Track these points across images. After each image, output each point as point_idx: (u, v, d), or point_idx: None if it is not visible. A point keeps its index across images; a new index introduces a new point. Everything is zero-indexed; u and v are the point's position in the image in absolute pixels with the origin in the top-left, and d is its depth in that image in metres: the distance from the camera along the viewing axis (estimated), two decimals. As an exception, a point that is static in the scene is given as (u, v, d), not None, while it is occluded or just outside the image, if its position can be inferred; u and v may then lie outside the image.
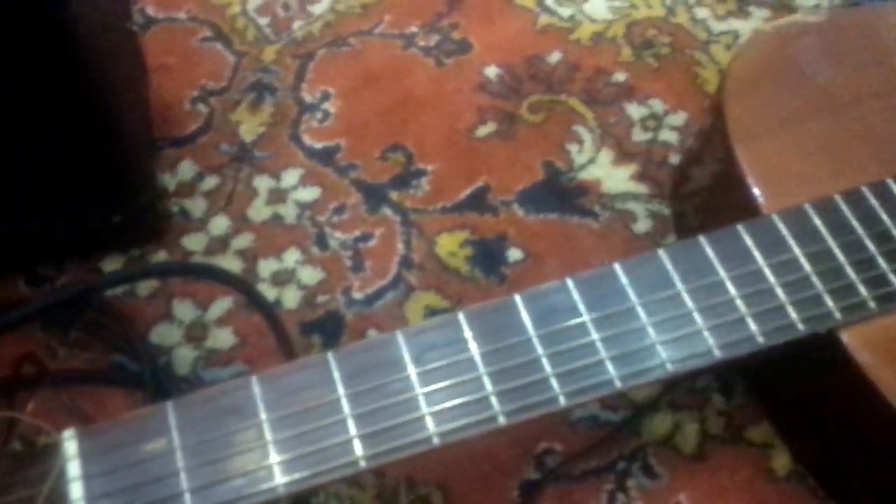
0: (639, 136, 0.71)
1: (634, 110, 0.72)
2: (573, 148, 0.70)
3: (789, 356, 0.51)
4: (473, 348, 0.44)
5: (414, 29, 0.77)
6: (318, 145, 0.70)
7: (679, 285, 0.47)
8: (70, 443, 0.40)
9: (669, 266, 0.47)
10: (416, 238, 0.65)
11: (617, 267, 0.48)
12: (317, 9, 0.78)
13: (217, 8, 0.78)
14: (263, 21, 0.77)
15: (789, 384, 0.55)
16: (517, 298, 0.47)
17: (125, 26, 0.66)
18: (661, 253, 0.48)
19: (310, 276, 0.63)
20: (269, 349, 0.59)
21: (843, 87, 0.56)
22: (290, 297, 0.62)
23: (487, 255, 0.65)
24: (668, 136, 0.71)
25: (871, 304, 0.46)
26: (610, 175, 0.69)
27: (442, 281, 0.63)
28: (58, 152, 0.52)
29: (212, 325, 0.60)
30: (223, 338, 0.60)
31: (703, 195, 0.63)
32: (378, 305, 0.62)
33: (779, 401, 0.57)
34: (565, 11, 0.78)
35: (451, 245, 0.65)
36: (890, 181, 0.51)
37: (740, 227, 0.49)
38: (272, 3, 0.78)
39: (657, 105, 0.72)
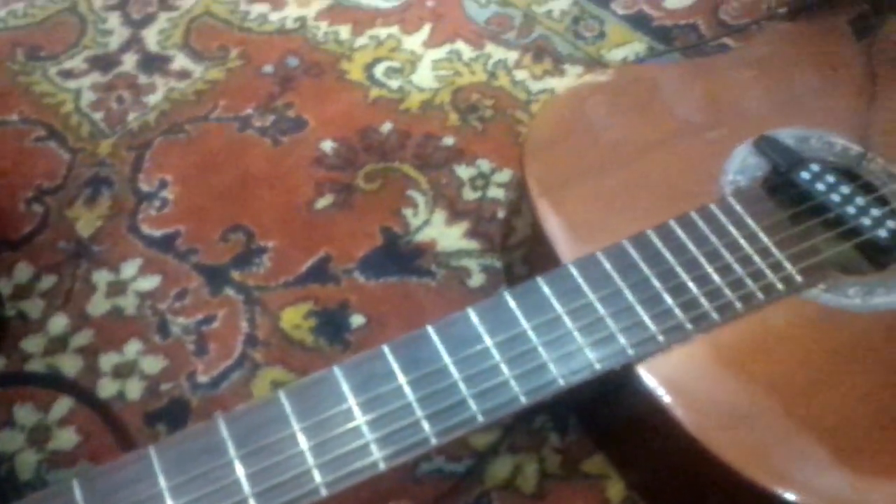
0: (469, 195, 0.75)
1: (463, 171, 0.77)
2: (409, 212, 0.74)
3: (602, 392, 0.55)
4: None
5: (249, 111, 0.80)
6: (157, 233, 0.71)
7: (487, 340, 0.50)
8: None
9: (477, 322, 0.51)
10: (259, 315, 0.67)
11: (430, 329, 0.51)
12: (151, 99, 0.80)
13: (50, 107, 0.79)
14: (97, 116, 0.79)
15: (612, 417, 0.59)
16: (336, 370, 0.49)
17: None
18: (470, 311, 0.52)
19: (152, 365, 0.64)
20: (115, 444, 0.59)
21: (630, 139, 0.62)
22: (133, 389, 0.62)
23: (331, 324, 0.67)
24: (495, 192, 0.75)
25: (661, 339, 0.51)
26: (444, 234, 0.73)
27: (287, 354, 0.65)
28: None
29: (54, 427, 0.60)
30: (66, 438, 0.60)
31: (526, 245, 0.67)
32: (224, 387, 0.63)
33: (606, 433, 0.61)
34: (394, 83, 0.83)
35: (294, 318, 0.67)
36: (671, 222, 0.56)
37: (539, 279, 0.53)
38: (106, 97, 0.80)
39: (484, 165, 0.77)
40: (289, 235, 0.72)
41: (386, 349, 0.50)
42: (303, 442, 0.46)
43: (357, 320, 0.67)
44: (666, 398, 0.50)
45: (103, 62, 0.83)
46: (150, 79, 0.82)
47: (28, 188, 0.73)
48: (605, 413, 0.59)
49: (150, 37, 0.85)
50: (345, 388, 0.48)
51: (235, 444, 0.45)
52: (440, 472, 0.59)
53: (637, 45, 0.87)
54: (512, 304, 0.52)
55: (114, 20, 0.87)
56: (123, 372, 0.63)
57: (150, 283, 0.68)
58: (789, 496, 0.47)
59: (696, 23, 0.89)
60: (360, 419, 0.47)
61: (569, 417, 0.62)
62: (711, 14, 0.90)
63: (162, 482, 0.44)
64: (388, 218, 0.73)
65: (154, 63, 0.83)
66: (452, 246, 0.72)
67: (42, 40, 0.85)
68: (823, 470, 0.49)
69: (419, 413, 0.48)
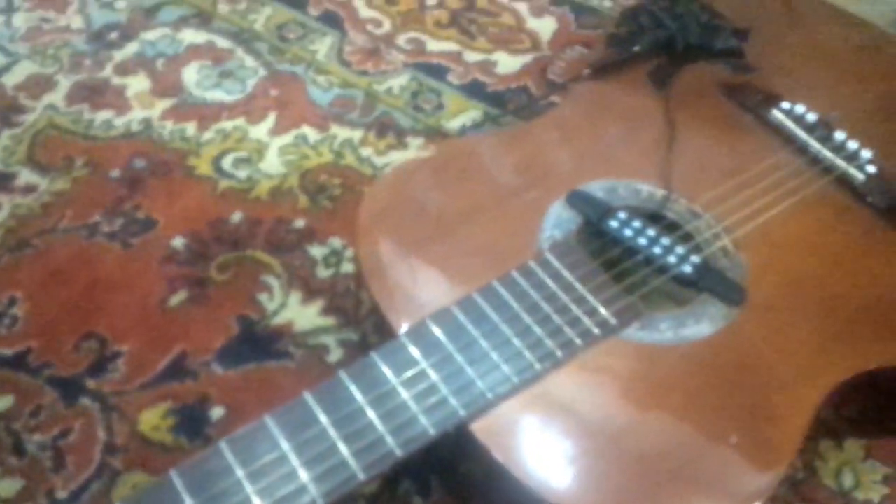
0: (323, 273, 0.78)
1: (316, 251, 0.79)
2: (264, 297, 0.76)
3: (454, 451, 0.57)
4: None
5: (97, 218, 0.80)
6: (9, 352, 0.70)
7: (323, 420, 0.52)
8: None
9: (314, 405, 0.53)
10: (117, 421, 0.67)
11: (267, 419, 0.53)
12: (-3, 217, 0.80)
13: None
14: (-60, 239, 0.78)
15: (466, 473, 0.61)
16: (172, 474, 0.50)
17: None
18: (307, 395, 0.54)
19: (8, 488, 0.63)
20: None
21: (455, 209, 0.65)
22: (-11, 516, 0.61)
23: (191, 420, 0.67)
24: (348, 267, 0.78)
25: (489, 396, 0.54)
26: (300, 315, 0.75)
27: (147, 458, 0.65)
28: None
29: None
30: (-83, 578, 0.58)
31: (373, 316, 0.70)
32: (84, 500, 0.63)
33: (465, 489, 0.63)
34: (242, 173, 0.85)
35: (153, 419, 0.67)
36: (495, 282, 0.60)
37: (374, 354, 0.56)
38: (-51, 220, 0.80)
39: (336, 242, 0.80)
40: (143, 336, 0.72)
41: (223, 444, 0.51)
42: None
43: (217, 413, 0.68)
44: (499, 454, 0.53)
45: (-55, 185, 0.83)
46: (-5, 197, 0.82)
47: None
48: (459, 470, 0.62)
49: (-8, 155, 0.86)
50: (182, 491, 0.49)
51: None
52: (307, 553, 0.60)
53: (473, 112, 0.92)
54: (348, 383, 0.54)
55: (-45, 141, 0.87)
56: (-24, 500, 0.62)
57: (3, 403, 0.67)
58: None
59: (527, 84, 0.95)
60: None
61: (431, 479, 0.64)
62: (540, 75, 0.97)
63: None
64: (243, 306, 0.75)
65: (-1, 181, 0.84)
66: (309, 325, 0.74)
67: None
68: (659, 501, 0.52)
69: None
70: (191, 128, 0.89)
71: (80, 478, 0.64)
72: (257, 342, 0.72)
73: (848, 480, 0.67)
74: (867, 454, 0.68)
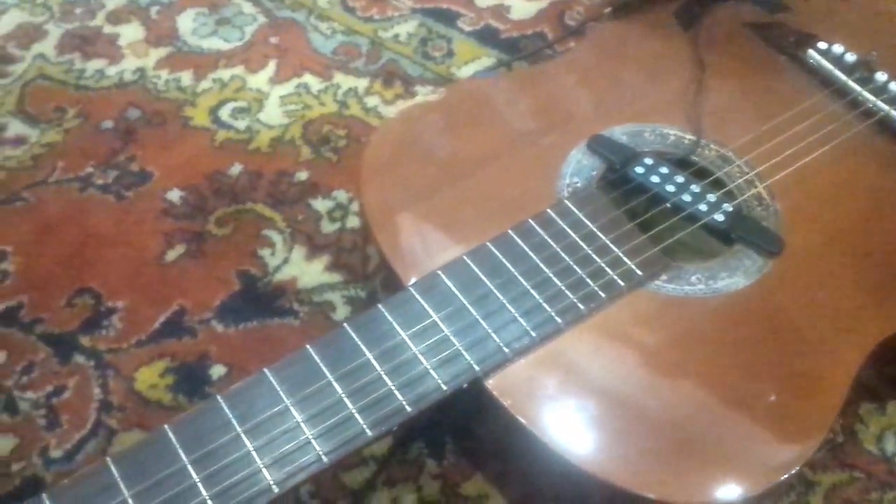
0: (328, 227, 0.74)
1: (320, 204, 0.75)
2: (265, 252, 0.72)
3: (467, 409, 0.54)
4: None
5: (90, 169, 0.76)
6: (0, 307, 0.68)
7: (329, 375, 0.49)
8: None
9: (318, 359, 0.49)
10: (112, 379, 0.64)
11: (267, 372, 0.49)
12: (-15, 170, 0.76)
13: None
14: (-73, 192, 0.74)
15: (480, 434, 0.58)
16: (167, 429, 0.47)
17: None
18: (309, 348, 0.50)
19: (1, 446, 0.60)
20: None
21: (465, 154, 0.61)
22: (-22, 477, 0.58)
23: (190, 379, 0.64)
24: (354, 222, 0.74)
25: (506, 351, 0.50)
26: (305, 271, 0.71)
27: (144, 417, 0.62)
28: None
29: None
30: None
31: (381, 271, 0.66)
32: (79, 459, 0.60)
33: (480, 451, 0.60)
34: (241, 124, 0.81)
35: (150, 377, 0.64)
36: (510, 231, 0.56)
37: (380, 306, 0.52)
38: (-65, 172, 0.76)
39: (341, 195, 0.76)
40: (139, 292, 0.69)
41: (220, 399, 0.48)
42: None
43: (218, 371, 0.64)
44: (515, 411, 0.49)
45: (-69, 136, 0.79)
46: (-17, 148, 0.78)
47: None
48: (474, 431, 0.58)
49: (-19, 105, 0.82)
50: (177, 447, 0.46)
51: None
52: (314, 514, 0.57)
53: (486, 60, 0.88)
54: (353, 334, 0.51)
55: (-58, 91, 0.83)
56: (-35, 461, 0.59)
57: (-9, 361, 0.64)
58: (652, 496, 0.47)
59: (543, 31, 0.91)
60: (195, 477, 0.45)
61: (444, 440, 0.61)
62: (557, 21, 0.92)
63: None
64: (244, 261, 0.71)
65: (-14, 131, 0.79)
66: (314, 281, 0.70)
67: None
68: (679, 464, 0.48)
69: (258, 463, 0.46)
70: (186, 77, 0.85)
71: (75, 437, 0.60)
72: (259, 299, 0.69)
73: (890, 445, 0.63)
74: (908, 417, 0.64)
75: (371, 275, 0.69)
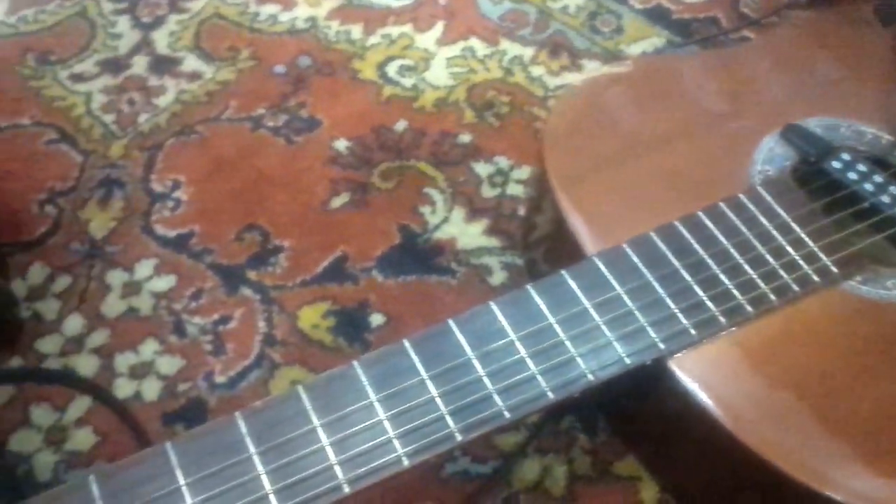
0: (488, 192, 0.74)
1: (482, 168, 0.75)
2: (426, 210, 0.72)
3: (632, 389, 0.53)
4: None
5: (261, 111, 0.79)
6: (171, 233, 0.70)
7: (511, 333, 0.49)
8: None
9: (501, 316, 0.49)
10: (277, 314, 0.66)
11: (451, 323, 0.50)
12: (162, 101, 0.79)
13: (61, 110, 0.78)
14: (109, 118, 0.78)
15: (642, 416, 0.57)
16: (355, 365, 0.48)
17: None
18: (493, 304, 0.50)
19: (169, 365, 0.63)
20: (132, 444, 0.58)
21: (651, 130, 0.60)
22: (150, 389, 0.61)
23: (350, 324, 0.65)
24: (515, 189, 0.74)
25: (693, 332, 0.49)
26: (464, 232, 0.71)
27: (306, 354, 0.64)
28: None
29: (71, 427, 0.59)
30: (83, 438, 0.59)
31: (548, 241, 0.66)
32: (242, 387, 0.62)
33: (636, 433, 0.59)
34: (408, 81, 0.81)
35: (313, 317, 0.66)
36: (700, 213, 0.54)
37: (564, 273, 0.51)
38: (117, 100, 0.79)
39: (502, 161, 0.76)
40: (304, 235, 0.70)
41: (407, 343, 0.48)
42: (323, 438, 0.44)
43: (377, 319, 0.66)
44: (699, 394, 0.48)
45: (114, 65, 0.82)
46: (161, 81, 0.81)
47: (40, 190, 0.72)
48: (634, 412, 0.57)
49: (160, 39, 0.84)
50: (365, 383, 0.47)
51: (254, 441, 0.44)
52: (466, 473, 0.58)
53: (656, 40, 0.86)
54: (536, 297, 0.50)
55: (123, 24, 0.86)
56: (140, 372, 0.62)
57: (165, 283, 0.67)
58: (828, 494, 0.45)
59: (716, 16, 0.88)
60: (381, 415, 0.45)
61: (597, 418, 0.61)
62: (731, 6, 0.89)
63: (180, 478, 0.42)
64: (405, 216, 0.72)
65: (164, 65, 0.82)
66: (472, 243, 0.70)
67: (52, 45, 0.84)
68: (863, 467, 0.47)
69: (443, 409, 0.46)
70: (356, 30, 0.86)
71: (239, 365, 0.63)
72: (418, 254, 0.69)
73: None
74: None
75: (533, 244, 0.68)
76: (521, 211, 0.73)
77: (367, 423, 0.45)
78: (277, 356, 0.63)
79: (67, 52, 0.83)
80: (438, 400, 0.46)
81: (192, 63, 0.83)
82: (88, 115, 0.77)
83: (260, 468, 0.43)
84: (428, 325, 0.65)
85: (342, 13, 0.87)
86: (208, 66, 0.82)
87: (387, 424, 0.45)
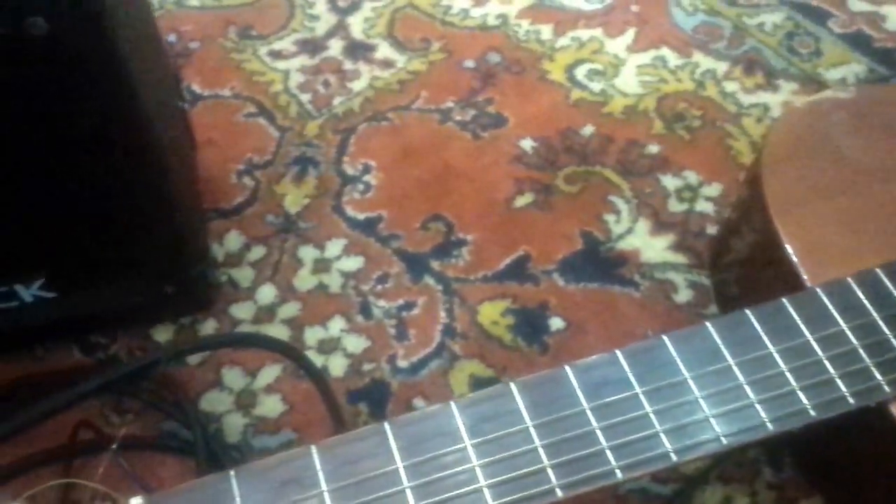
0: (675, 206, 0.72)
1: (669, 181, 0.74)
2: (610, 218, 0.72)
3: (835, 429, 0.51)
4: (528, 420, 0.45)
5: (450, 104, 0.79)
6: (361, 216, 0.72)
7: (729, 359, 0.47)
8: (137, 512, 0.41)
9: (718, 339, 0.48)
10: (458, 307, 0.66)
11: (666, 339, 0.48)
12: (356, 85, 0.81)
13: (260, 85, 0.81)
14: (305, 97, 0.80)
15: (838, 457, 0.55)
16: (567, 370, 0.47)
17: (176, 104, 0.69)
18: (709, 326, 0.49)
19: (355, 344, 0.64)
20: (318, 417, 0.60)
21: (877, 162, 0.58)
22: (337, 365, 0.63)
23: (529, 324, 0.65)
24: (704, 206, 0.72)
25: (921, 378, 0.47)
26: (648, 245, 0.70)
27: (485, 349, 0.64)
28: (121, 227, 0.54)
29: (260, 393, 0.61)
30: (272, 405, 0.61)
31: (744, 266, 0.64)
32: (423, 374, 0.63)
33: (829, 474, 0.57)
34: (596, 86, 0.81)
35: (492, 314, 0.66)
36: (932, 252, 0.52)
37: (786, 301, 0.50)
38: (313, 80, 0.82)
39: (691, 176, 0.74)
40: (488, 230, 0.71)
41: (619, 354, 0.48)
42: (536, 439, 0.44)
43: (556, 323, 0.65)
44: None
45: (311, 46, 0.85)
46: (355, 65, 0.83)
47: (239, 161, 0.75)
48: (831, 453, 0.55)
49: (356, 24, 0.87)
50: (576, 387, 0.46)
51: (469, 432, 0.45)
52: (645, 492, 0.57)
53: (856, 66, 0.82)
54: (755, 323, 0.49)
55: (321, 6, 0.89)
56: (327, 348, 0.63)
57: (353, 263, 0.68)
58: None
59: (923, 47, 0.83)
60: (594, 424, 0.45)
61: (784, 451, 0.59)
62: (939, 37, 0.84)
63: (398, 460, 0.43)
64: (588, 222, 0.71)
65: (359, 50, 0.84)
66: (657, 258, 0.69)
67: (254, 20, 0.88)
68: None
69: (657, 426, 0.45)
70: (546, 31, 0.86)
71: (421, 352, 0.64)
72: (601, 262, 0.69)
73: None
74: None
75: (725, 266, 0.67)
76: (711, 230, 0.71)
77: (580, 431, 0.45)
78: (457, 348, 0.64)
79: (267, 28, 0.86)
80: (652, 417, 0.45)
81: (385, 51, 0.84)
82: (286, 93, 0.80)
83: (474, 460, 0.44)
84: (609, 336, 0.65)
85: (533, 13, 0.87)
86: (400, 55, 0.84)
87: (599, 434, 0.45)
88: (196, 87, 0.81)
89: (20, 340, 0.61)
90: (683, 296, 0.67)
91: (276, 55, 0.84)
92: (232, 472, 0.43)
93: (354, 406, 0.61)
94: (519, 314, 0.66)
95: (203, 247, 0.65)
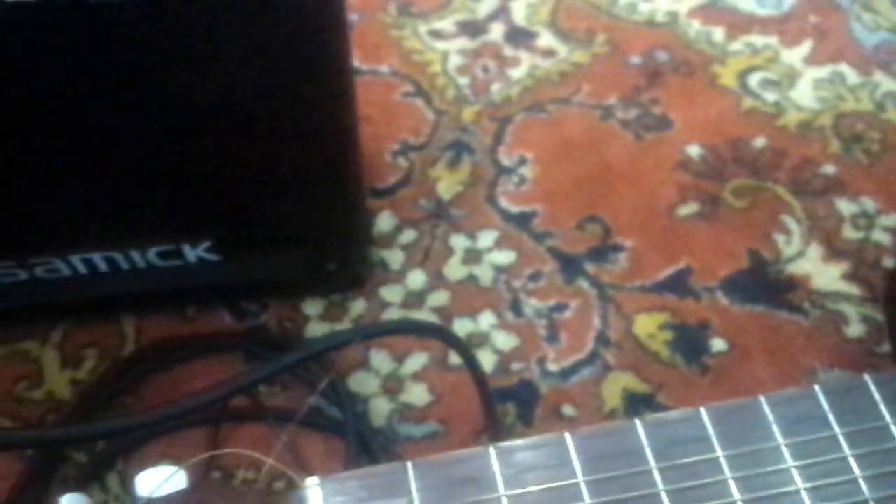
0: (850, 233, 0.67)
1: (844, 206, 0.69)
2: (780, 238, 0.67)
3: None
4: (719, 450, 0.42)
5: (612, 101, 0.76)
6: (515, 209, 0.69)
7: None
8: (314, 490, 0.40)
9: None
10: (612, 315, 0.63)
11: (867, 378, 0.45)
12: (515, 73, 0.79)
13: (418, 65, 0.80)
14: (463, 81, 0.78)
15: None
16: (763, 401, 0.44)
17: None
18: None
19: (504, 341, 0.62)
20: (464, 410, 0.58)
21: None
22: (485, 361, 0.61)
23: (688, 342, 0.62)
24: (880, 236, 0.67)
25: None
26: (820, 271, 0.65)
27: (641, 363, 0.61)
28: (297, 199, 0.53)
29: (407, 380, 0.60)
30: (418, 394, 0.59)
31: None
32: (573, 381, 0.60)
33: None
34: (770, 96, 0.76)
35: (649, 326, 0.63)
36: None
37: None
38: (472, 64, 0.80)
39: (868, 203, 0.69)
40: (647, 237, 0.67)
41: (818, 389, 0.44)
42: (726, 470, 0.42)
43: (718, 345, 0.62)
44: None
45: (471, 28, 0.83)
46: (516, 52, 0.80)
47: (394, 140, 0.74)
48: None
49: (518, 10, 0.84)
50: (772, 421, 0.43)
51: (654, 455, 0.42)
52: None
53: None
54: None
55: (481, -12, 0.87)
56: (476, 341, 0.62)
57: (505, 257, 0.66)
58: None
59: None
60: (789, 462, 0.42)
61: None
62: None
63: (579, 475, 0.41)
64: (756, 240, 0.67)
65: (520, 37, 0.82)
66: (829, 286, 0.65)
67: (413, -2, 0.87)
68: None
69: (856, 472, 0.42)
70: (718, 33, 0.81)
71: (572, 358, 0.61)
72: (768, 284, 0.65)
73: None
74: None
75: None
76: (888, 262, 0.66)
77: (775, 468, 0.42)
78: (611, 358, 0.61)
79: (427, 6, 0.85)
80: (851, 461, 0.42)
81: (547, 39, 0.82)
82: (444, 75, 0.79)
83: (661, 485, 0.41)
84: (775, 363, 0.61)
85: (704, 13, 0.83)
86: (563, 46, 0.81)
87: (796, 475, 0.42)
88: (356, 62, 0.80)
89: (176, 299, 0.61)
90: (855, 330, 0.62)
91: (436, 35, 0.82)
92: (409, 464, 0.41)
93: (503, 405, 0.58)
94: (678, 330, 0.62)
95: (367, 225, 0.64)
